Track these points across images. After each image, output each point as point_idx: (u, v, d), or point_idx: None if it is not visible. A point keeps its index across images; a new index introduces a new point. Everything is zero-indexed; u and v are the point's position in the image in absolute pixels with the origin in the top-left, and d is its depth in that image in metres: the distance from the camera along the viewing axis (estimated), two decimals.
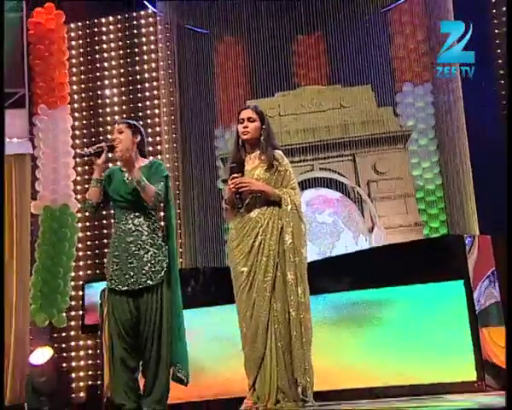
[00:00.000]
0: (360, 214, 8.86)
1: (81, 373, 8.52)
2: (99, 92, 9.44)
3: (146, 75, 9.44)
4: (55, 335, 8.39)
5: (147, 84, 9.42)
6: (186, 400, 4.45)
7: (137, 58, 9.48)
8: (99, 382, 6.70)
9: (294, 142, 8.57)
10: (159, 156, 8.72)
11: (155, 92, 9.37)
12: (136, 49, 9.51)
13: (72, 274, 8.24)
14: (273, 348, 3.17)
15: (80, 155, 7.56)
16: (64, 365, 8.46)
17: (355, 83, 8.91)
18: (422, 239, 7.95)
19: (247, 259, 3.26)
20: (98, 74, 9.47)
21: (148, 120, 9.12)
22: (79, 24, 9.48)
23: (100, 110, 9.40)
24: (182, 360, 3.38)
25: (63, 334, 8.55)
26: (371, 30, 8.80)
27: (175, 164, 8.96)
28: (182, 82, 9.10)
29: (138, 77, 9.45)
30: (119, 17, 9.55)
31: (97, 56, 9.50)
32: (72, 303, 8.29)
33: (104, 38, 9.56)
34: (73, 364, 8.58)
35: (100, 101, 9.42)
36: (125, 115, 8.97)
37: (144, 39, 9.53)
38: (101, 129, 9.27)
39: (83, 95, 9.40)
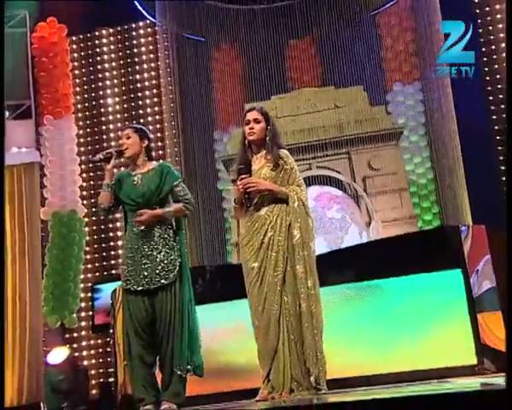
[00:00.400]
0: (358, 209, 9.12)
1: (93, 371, 8.80)
2: (101, 101, 9.77)
3: (146, 83, 9.79)
4: (67, 335, 8.65)
5: (147, 92, 9.77)
6: (202, 392, 4.48)
7: (137, 67, 9.84)
8: (111, 379, 6.89)
9: (292, 142, 8.75)
10: (161, 161, 8.93)
11: (156, 99, 9.72)
12: (136, 59, 9.86)
13: (82, 277, 8.50)
14: (285, 340, 3.24)
15: (90, 161, 7.68)
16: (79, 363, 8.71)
17: (347, 84, 9.20)
18: (421, 231, 8.21)
19: (257, 255, 3.33)
20: (100, 84, 9.82)
21: (150, 127, 9.36)
22: (81, 36, 9.79)
23: (103, 118, 9.73)
24: (196, 354, 3.46)
25: (75, 334, 8.86)
26: (361, 33, 9.14)
27: (177, 167, 9.23)
28: (181, 88, 9.39)
29: (139, 85, 9.80)
30: (118, 28, 9.90)
31: (99, 67, 9.84)
32: (82, 305, 8.60)
33: (105, 49, 9.91)
34: (85, 362, 8.88)
35: (103, 109, 9.75)
36: (127, 123, 9.23)
37: (144, 49, 9.88)
38: (104, 136, 9.62)
39: (86, 104, 9.72)
